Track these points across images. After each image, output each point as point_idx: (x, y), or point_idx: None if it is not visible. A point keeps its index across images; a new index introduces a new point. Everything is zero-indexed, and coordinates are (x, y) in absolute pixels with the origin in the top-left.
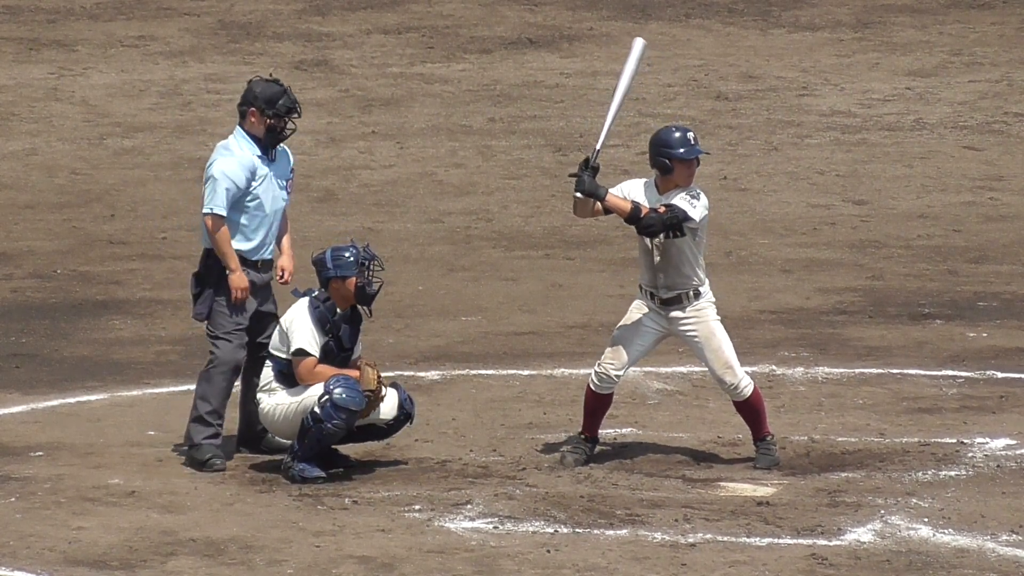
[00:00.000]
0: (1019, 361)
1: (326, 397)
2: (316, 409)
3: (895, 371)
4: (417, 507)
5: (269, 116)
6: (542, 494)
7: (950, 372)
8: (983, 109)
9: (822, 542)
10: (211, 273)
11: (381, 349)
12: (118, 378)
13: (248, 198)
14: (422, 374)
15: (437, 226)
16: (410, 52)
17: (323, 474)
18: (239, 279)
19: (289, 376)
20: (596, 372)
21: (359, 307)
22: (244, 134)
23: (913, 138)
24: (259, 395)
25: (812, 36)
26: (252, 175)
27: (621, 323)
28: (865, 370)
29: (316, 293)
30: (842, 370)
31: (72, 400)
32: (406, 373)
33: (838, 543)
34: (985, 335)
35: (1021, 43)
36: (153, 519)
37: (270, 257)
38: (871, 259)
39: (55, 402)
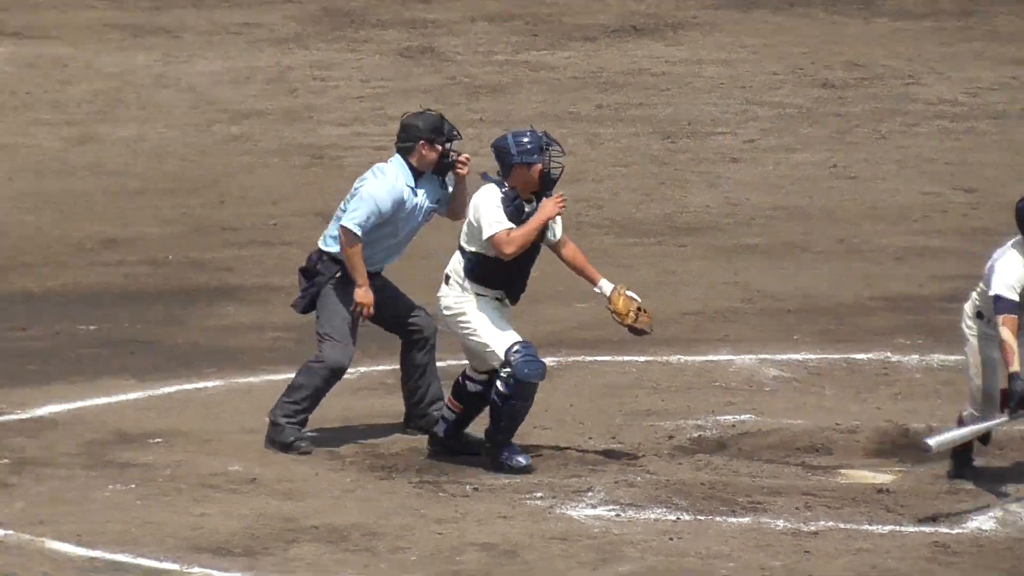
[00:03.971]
0: None
1: (508, 371)
2: (499, 385)
3: None
4: (538, 494)
5: (441, 143)
6: (663, 481)
7: None
8: None
9: (944, 530)
10: (325, 276)
11: None
12: (233, 364)
13: (387, 223)
14: None
15: None
16: (515, 40)
17: (527, 463)
18: (365, 295)
19: (480, 274)
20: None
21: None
22: (403, 162)
23: (1021, 126)
24: (443, 288)
25: (915, 25)
26: (399, 204)
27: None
28: None
29: (506, 189)
30: (957, 357)
31: (188, 386)
32: None
33: (960, 531)
34: None
35: None
36: (274, 506)
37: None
38: (982, 246)
39: (171, 388)
